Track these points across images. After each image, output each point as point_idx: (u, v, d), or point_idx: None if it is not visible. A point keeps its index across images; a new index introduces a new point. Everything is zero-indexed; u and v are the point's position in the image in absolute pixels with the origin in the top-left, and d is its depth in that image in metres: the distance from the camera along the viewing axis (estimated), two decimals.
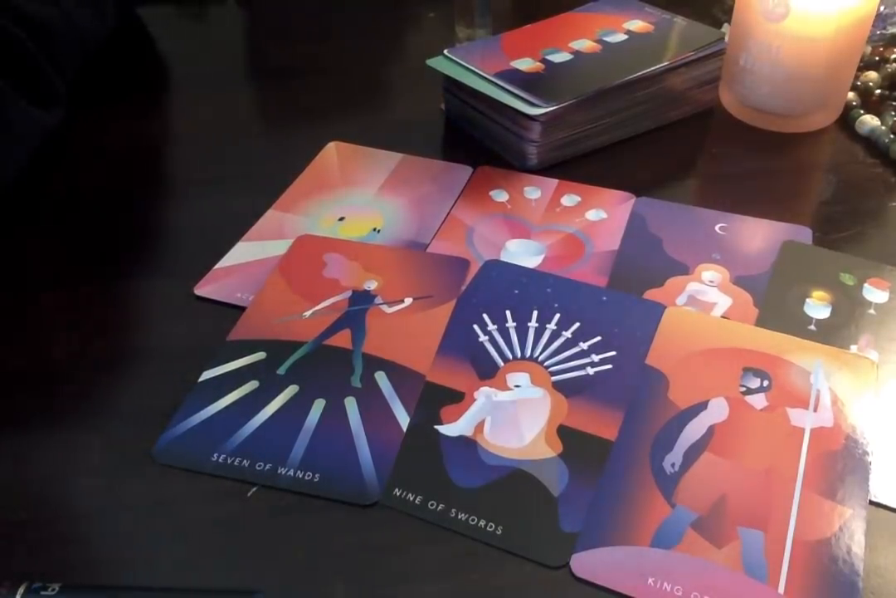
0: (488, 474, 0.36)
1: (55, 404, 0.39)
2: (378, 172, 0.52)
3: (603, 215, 0.49)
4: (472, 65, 0.53)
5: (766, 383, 0.38)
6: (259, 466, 0.36)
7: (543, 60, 0.53)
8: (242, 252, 0.47)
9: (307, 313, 0.43)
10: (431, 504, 0.35)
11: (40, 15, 0.51)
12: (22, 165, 0.50)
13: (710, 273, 0.45)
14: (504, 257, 0.46)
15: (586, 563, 0.33)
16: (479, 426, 0.37)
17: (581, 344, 0.41)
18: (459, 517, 0.34)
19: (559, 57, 0.54)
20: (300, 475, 0.35)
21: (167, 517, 0.35)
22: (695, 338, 0.41)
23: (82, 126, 0.55)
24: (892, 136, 0.53)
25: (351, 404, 0.38)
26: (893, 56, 0.60)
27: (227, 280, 0.45)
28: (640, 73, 0.52)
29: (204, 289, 0.44)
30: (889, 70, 0.58)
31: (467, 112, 0.55)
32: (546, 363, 0.40)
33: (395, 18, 0.70)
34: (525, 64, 0.53)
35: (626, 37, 0.56)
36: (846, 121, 0.56)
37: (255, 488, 0.35)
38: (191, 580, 0.32)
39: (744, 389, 0.38)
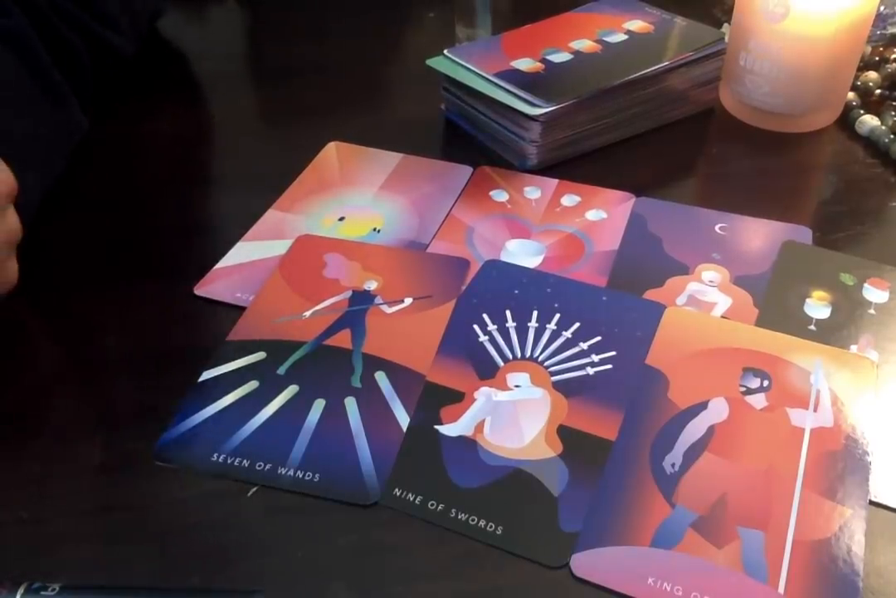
0: (488, 474, 0.36)
1: (56, 403, 0.39)
2: (378, 172, 0.52)
3: (603, 215, 0.49)
4: (472, 65, 0.53)
5: (766, 383, 0.38)
6: (259, 466, 0.36)
7: (543, 60, 0.53)
8: (242, 252, 0.47)
9: (307, 313, 0.43)
10: (431, 504, 0.35)
11: (90, 29, 0.53)
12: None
13: (710, 273, 0.45)
14: (504, 257, 0.46)
15: (586, 563, 0.33)
16: (479, 426, 0.37)
17: (581, 344, 0.40)
18: (459, 517, 0.34)
19: (559, 57, 0.54)
20: (300, 475, 0.35)
21: (167, 516, 0.35)
22: (695, 338, 0.41)
23: None
24: (892, 136, 0.53)
25: (351, 404, 0.38)
26: (893, 56, 0.60)
27: (227, 280, 0.45)
28: (640, 73, 0.52)
29: (204, 289, 0.44)
30: (889, 70, 0.58)
31: (467, 112, 0.55)
32: (546, 363, 0.40)
33: (395, 18, 0.70)
34: (525, 64, 0.53)
35: (626, 37, 0.56)
36: (846, 121, 0.56)
37: (255, 489, 0.35)
38: (191, 580, 0.32)
39: (744, 389, 0.38)
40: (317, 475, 0.35)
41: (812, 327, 0.41)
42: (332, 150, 0.54)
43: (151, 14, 0.63)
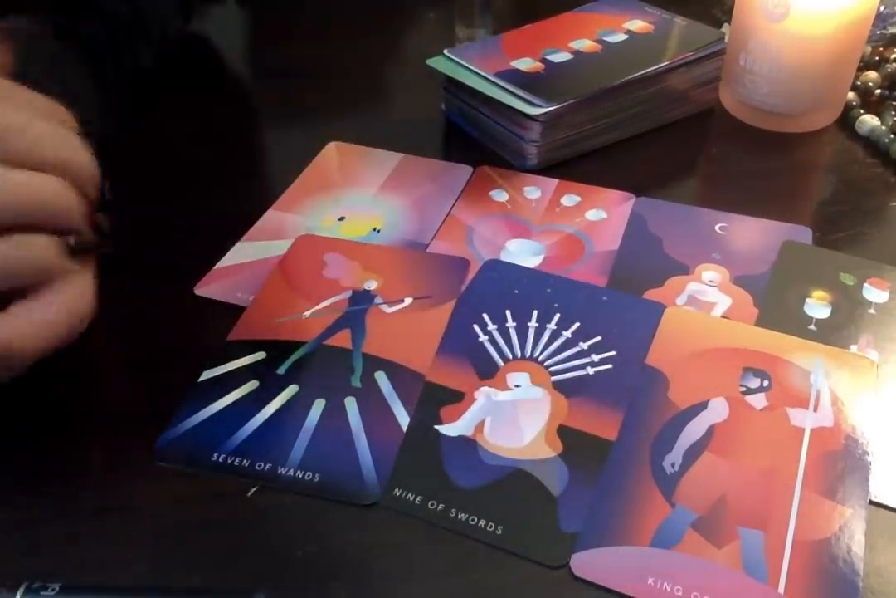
0: (488, 474, 0.36)
1: (55, 403, 0.39)
2: (378, 172, 0.52)
3: (603, 215, 0.49)
4: (472, 65, 0.53)
5: (766, 383, 0.38)
6: (259, 466, 0.36)
7: (543, 60, 0.53)
8: (242, 252, 0.47)
9: (307, 313, 0.43)
10: (431, 504, 0.35)
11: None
12: None
13: (710, 273, 0.45)
14: (504, 257, 0.46)
15: (586, 563, 0.33)
16: (479, 426, 0.37)
17: (581, 344, 0.40)
18: (459, 517, 0.34)
19: (559, 57, 0.54)
20: (300, 475, 0.35)
21: (167, 517, 0.35)
22: (695, 338, 0.41)
23: None
24: (892, 136, 0.53)
25: (351, 404, 0.38)
26: (893, 56, 0.60)
27: (227, 280, 0.45)
28: (640, 73, 0.52)
29: (204, 289, 0.44)
30: (889, 70, 0.58)
31: (467, 112, 0.55)
32: (546, 363, 0.40)
33: (395, 18, 0.70)
34: (525, 64, 0.53)
35: (626, 37, 0.56)
36: (846, 121, 0.56)
37: (255, 489, 0.35)
38: (191, 580, 0.32)
39: (744, 389, 0.38)
40: (317, 475, 0.35)
41: (812, 327, 0.41)
42: (332, 150, 0.54)
43: (173, 32, 0.63)
